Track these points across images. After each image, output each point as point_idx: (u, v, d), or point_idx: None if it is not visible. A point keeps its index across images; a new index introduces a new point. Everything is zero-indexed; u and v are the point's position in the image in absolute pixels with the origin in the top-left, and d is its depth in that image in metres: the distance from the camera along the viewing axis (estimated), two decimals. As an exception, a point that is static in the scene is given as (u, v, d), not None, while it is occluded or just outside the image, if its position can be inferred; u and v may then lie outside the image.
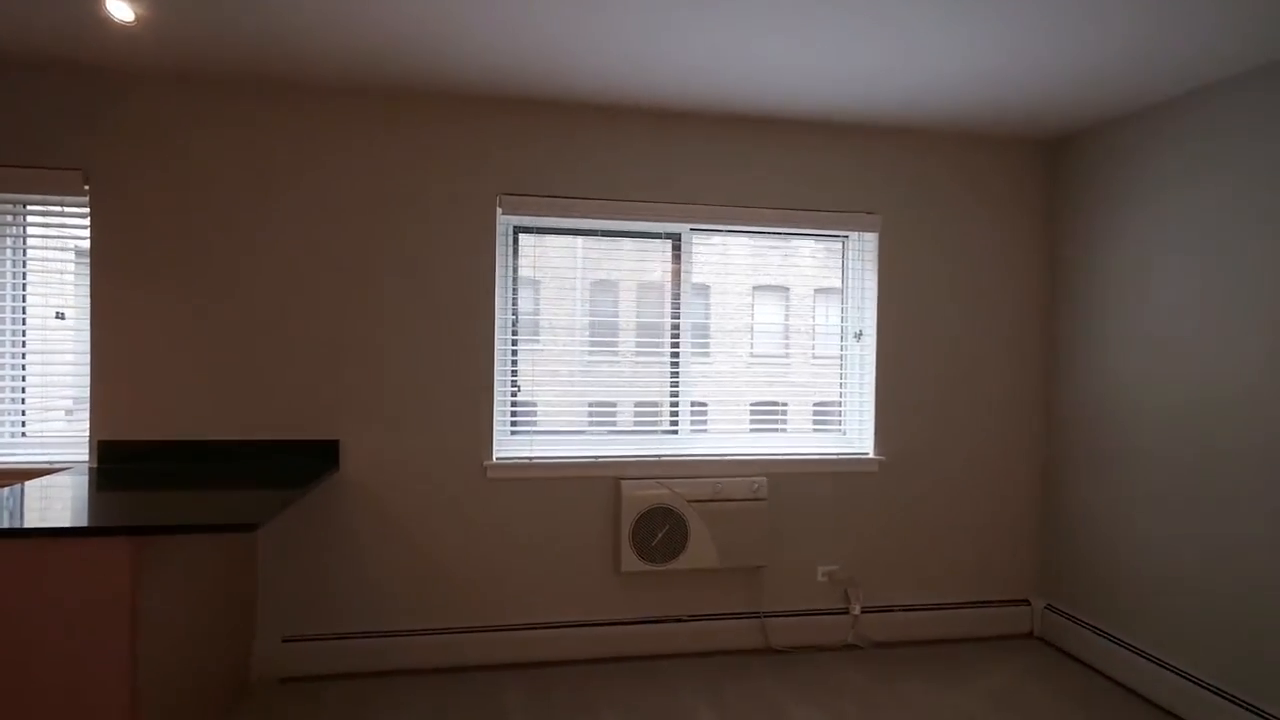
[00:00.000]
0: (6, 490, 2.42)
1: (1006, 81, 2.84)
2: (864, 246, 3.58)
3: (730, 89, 3.00)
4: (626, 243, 3.42)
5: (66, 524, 1.99)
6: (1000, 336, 3.62)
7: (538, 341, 3.36)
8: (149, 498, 2.37)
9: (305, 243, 3.05)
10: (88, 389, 2.92)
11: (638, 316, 3.43)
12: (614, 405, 3.42)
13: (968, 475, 3.60)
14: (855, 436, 3.60)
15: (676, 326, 3.46)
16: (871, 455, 3.53)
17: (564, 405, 3.37)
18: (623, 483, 3.25)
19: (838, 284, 3.64)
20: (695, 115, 3.33)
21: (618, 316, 3.42)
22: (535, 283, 3.36)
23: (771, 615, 3.45)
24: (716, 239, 3.50)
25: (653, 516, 3.24)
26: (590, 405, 3.40)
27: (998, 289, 3.61)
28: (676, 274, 3.47)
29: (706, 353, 3.51)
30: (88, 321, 2.93)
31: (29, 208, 2.91)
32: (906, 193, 3.52)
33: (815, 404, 3.62)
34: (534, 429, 3.35)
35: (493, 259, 3.20)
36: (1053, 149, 3.63)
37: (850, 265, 3.62)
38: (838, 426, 3.63)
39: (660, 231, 3.44)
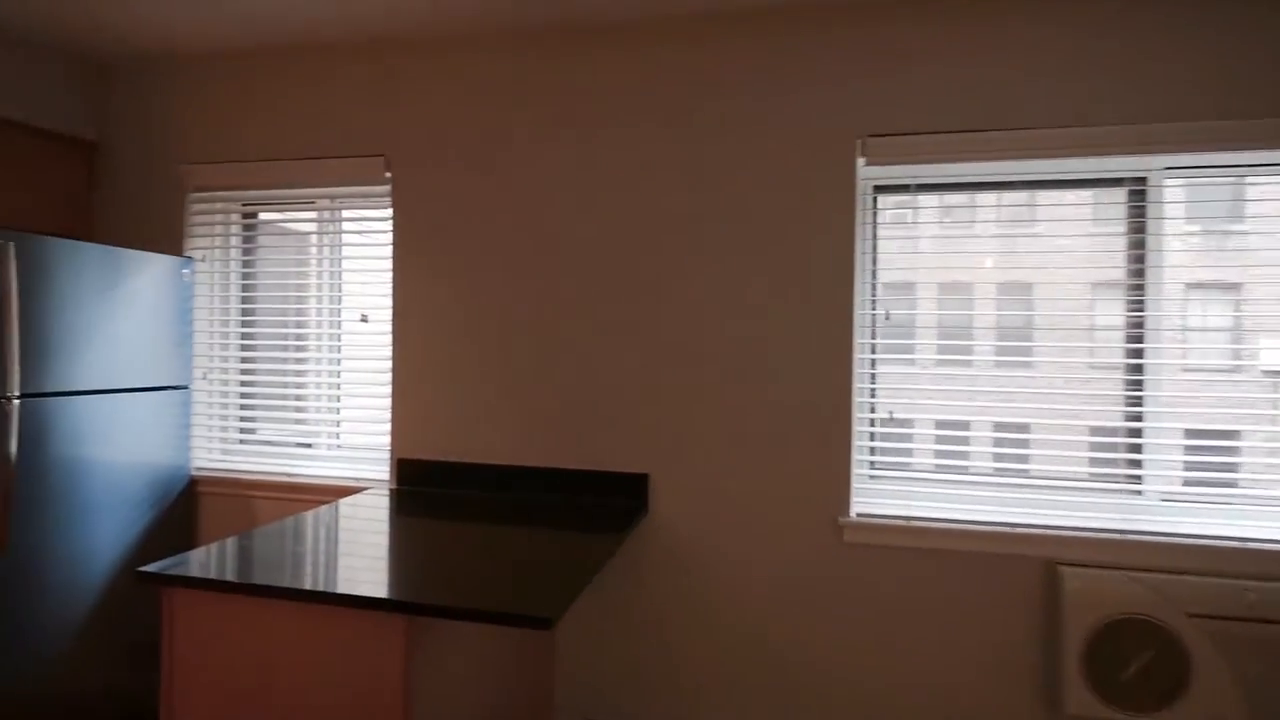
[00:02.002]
0: (323, 510, 2.11)
1: None
2: None
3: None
4: (1043, 198, 2.23)
5: (345, 589, 1.52)
6: None
7: (911, 351, 2.32)
8: (439, 550, 1.84)
9: (617, 234, 2.41)
10: (389, 399, 2.61)
11: (1066, 311, 2.21)
12: (1025, 439, 2.23)
13: None
14: None
15: (1137, 323, 2.16)
16: None
17: (952, 440, 2.28)
18: (1063, 570, 2.05)
19: None
20: (1194, -28, 2.02)
21: (1033, 312, 2.23)
22: (905, 265, 2.33)
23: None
24: (1204, 183, 2.13)
25: (1122, 632, 1.98)
26: (995, 437, 2.25)
27: None
28: (1139, 246, 2.17)
29: (1188, 365, 2.14)
30: (389, 325, 2.62)
31: (339, 200, 2.70)
32: None
33: None
34: (905, 472, 2.30)
35: (849, 231, 2.25)
36: None
37: None
38: None
39: (1104, 176, 2.18)
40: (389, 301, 2.61)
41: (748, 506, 2.30)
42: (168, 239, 2.78)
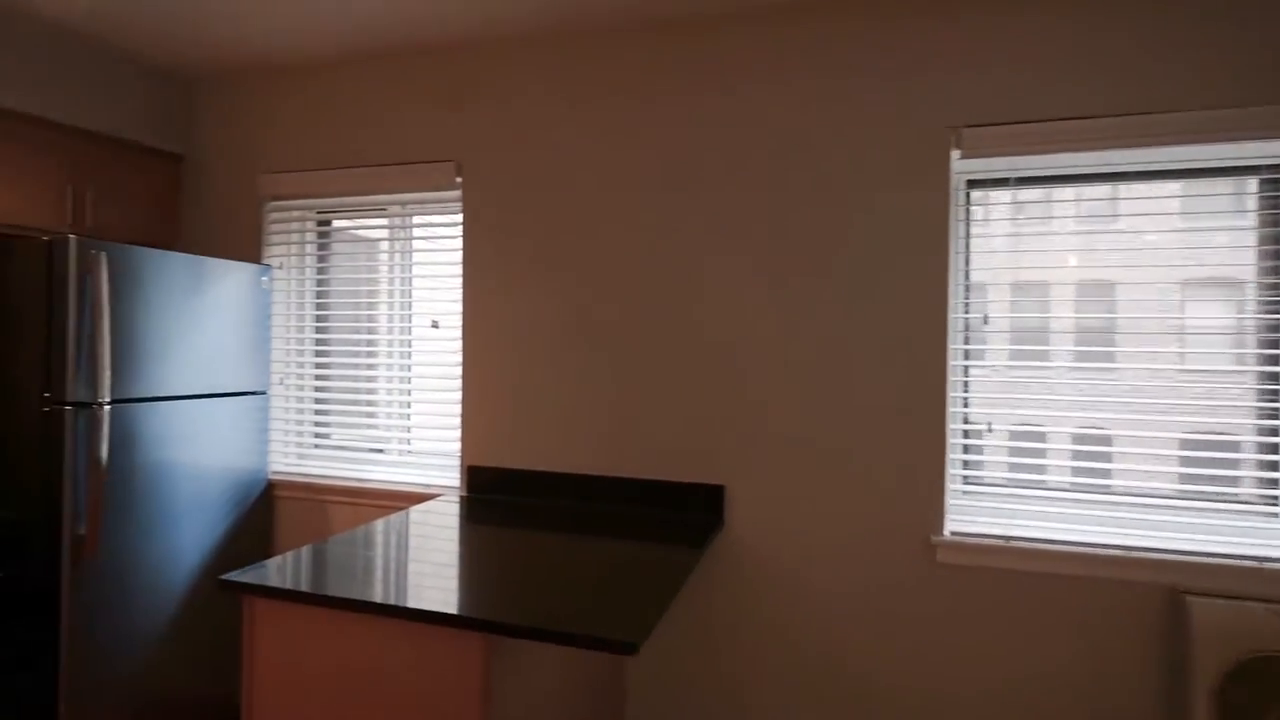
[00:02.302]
0: (395, 518, 2.10)
1: None
2: None
3: None
4: (1159, 190, 2.03)
5: (422, 603, 1.48)
6: None
7: (1011, 356, 2.15)
8: (514, 561, 1.79)
9: (695, 238, 2.32)
10: (459, 405, 2.59)
11: (1191, 313, 2.00)
12: (1141, 453, 2.03)
13: None
14: None
15: (1275, 325, 1.94)
16: None
17: (1058, 455, 2.10)
18: (1191, 600, 1.85)
19: None
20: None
21: (1148, 315, 2.03)
22: (1002, 264, 2.16)
23: None
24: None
25: (1262, 672, 1.78)
26: (1107, 451, 2.06)
27: None
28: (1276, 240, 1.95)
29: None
30: (459, 331, 2.60)
31: (410, 206, 2.70)
32: None
33: None
34: (1005, 488, 2.13)
35: (942, 228, 2.10)
36: None
37: None
38: None
39: (1236, 164, 1.97)
40: (459, 307, 2.59)
41: (830, 522, 2.17)
42: (248, 248, 2.84)
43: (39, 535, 2.06)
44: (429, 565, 1.73)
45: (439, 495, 2.53)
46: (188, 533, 2.41)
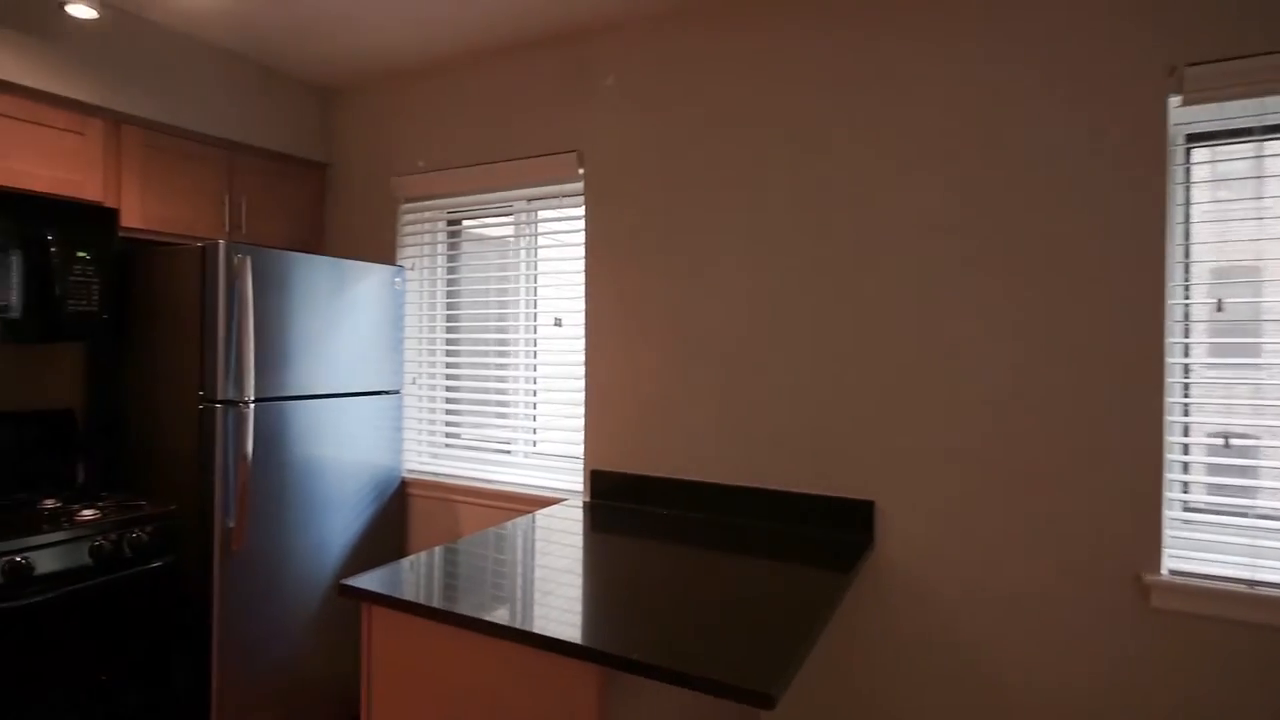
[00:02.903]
0: (518, 523, 2.03)
1: None
2: None
3: None
4: None
5: (539, 625, 1.38)
6: None
7: (1254, 354, 1.70)
8: (639, 579, 1.63)
9: (845, 227, 2.07)
10: (583, 405, 2.48)
11: None
12: None
13: None
14: None
15: None
16: None
17: (1326, 478, 1.63)
18: None
19: None
20: None
21: None
22: (1238, 236, 1.72)
23: None
24: None
25: None
26: (1400, 483, 1.57)
27: None
28: None
29: None
30: (582, 329, 2.49)
31: (536, 202, 2.63)
32: None
33: None
34: (1236, 512, 1.69)
35: (1157, 195, 1.70)
36: None
37: None
38: None
39: None
40: (583, 305, 2.48)
41: (1008, 551, 1.83)
42: (383, 250, 2.90)
43: (194, 526, 2.17)
44: (549, 580, 1.61)
45: (564, 500, 2.44)
46: (328, 528, 2.48)
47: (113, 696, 1.99)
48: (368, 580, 1.56)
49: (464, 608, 1.42)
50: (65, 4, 2.07)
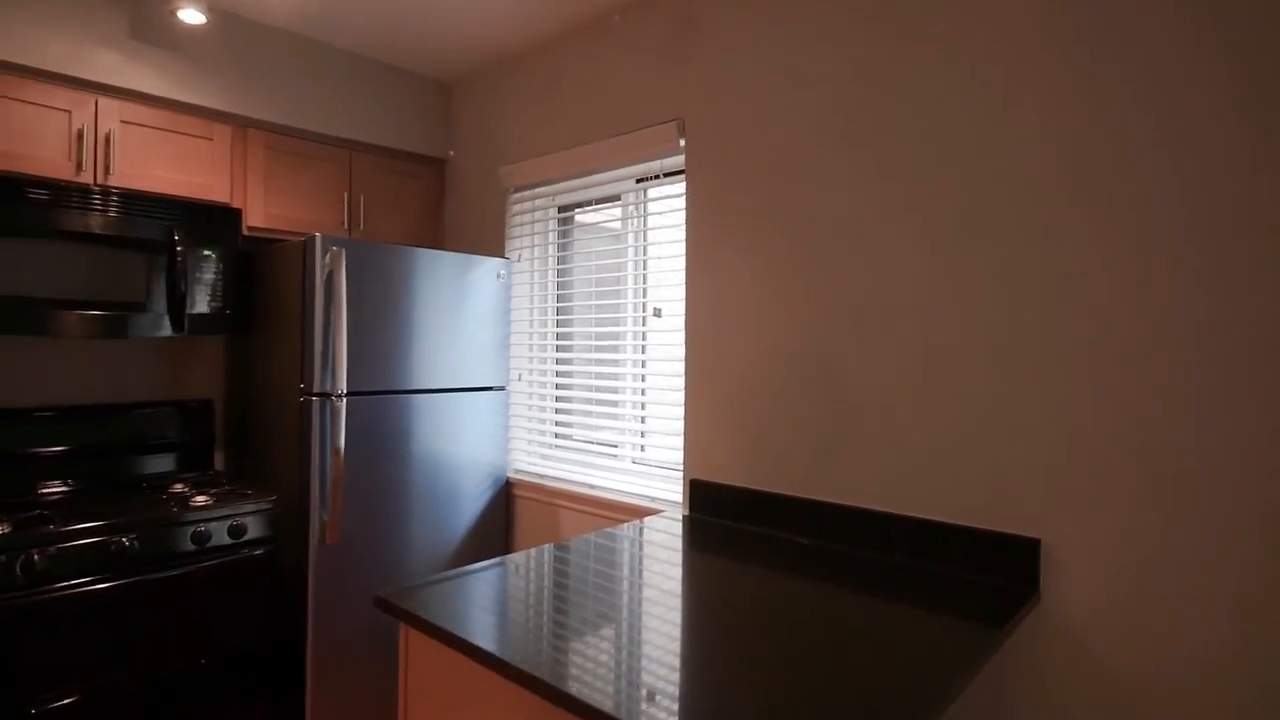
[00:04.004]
0: (625, 529, 1.83)
1: None
2: None
3: None
4: None
5: (592, 689, 1.12)
6: None
7: None
8: (739, 625, 1.35)
9: (1000, 198, 1.63)
10: (682, 407, 2.21)
11: None
12: None
13: None
14: None
15: None
16: None
17: None
18: None
19: None
20: None
21: None
22: None
23: None
24: None
25: None
26: None
27: None
28: None
29: None
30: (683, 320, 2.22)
31: (645, 183, 2.40)
32: None
33: None
34: None
35: None
36: None
37: None
38: None
39: None
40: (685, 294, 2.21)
41: (1224, 618, 1.29)
42: (495, 243, 2.83)
43: (293, 517, 2.19)
44: (633, 614, 1.36)
45: (663, 511, 2.19)
46: (429, 526, 2.43)
47: (207, 681, 2.05)
48: (409, 597, 1.41)
49: (514, 653, 1.16)
50: (176, 10, 2.18)
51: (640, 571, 1.59)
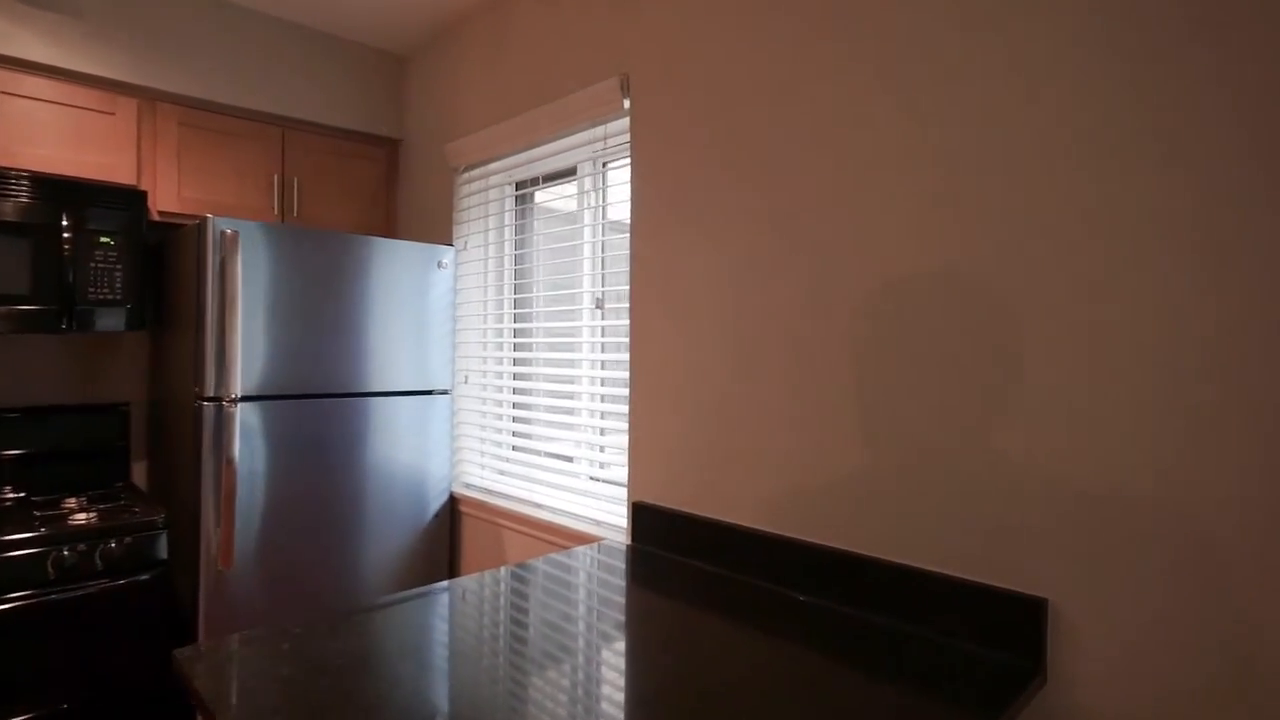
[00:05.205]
0: (540, 571, 1.50)
1: None
2: None
3: None
4: None
5: None
6: None
7: None
8: (679, 689, 1.01)
9: (1001, 182, 1.25)
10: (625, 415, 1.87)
11: None
12: None
13: None
14: None
15: None
16: None
17: None
18: None
19: None
20: None
21: None
22: None
23: None
24: None
25: None
26: None
27: None
28: None
29: None
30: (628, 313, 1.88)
31: (601, 153, 2.07)
32: None
33: None
34: None
35: None
36: None
37: None
38: None
39: None
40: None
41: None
42: (446, 228, 2.54)
43: (185, 538, 1.93)
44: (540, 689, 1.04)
45: (602, 540, 1.85)
46: (355, 549, 2.14)
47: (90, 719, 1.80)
48: (216, 659, 1.11)
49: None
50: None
51: (558, 621, 1.26)
